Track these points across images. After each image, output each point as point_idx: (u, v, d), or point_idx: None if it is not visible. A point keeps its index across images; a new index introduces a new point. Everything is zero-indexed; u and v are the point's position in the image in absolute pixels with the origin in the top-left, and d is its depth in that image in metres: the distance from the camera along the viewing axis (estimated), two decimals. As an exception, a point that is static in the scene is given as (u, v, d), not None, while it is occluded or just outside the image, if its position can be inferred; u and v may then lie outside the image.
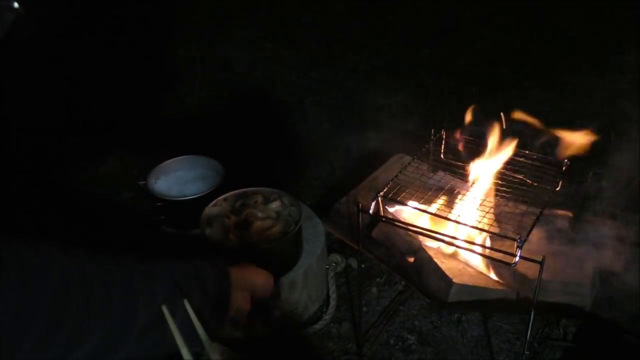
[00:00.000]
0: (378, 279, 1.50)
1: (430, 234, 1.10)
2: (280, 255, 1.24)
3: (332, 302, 1.39)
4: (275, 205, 1.29)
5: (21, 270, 0.54)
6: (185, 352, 0.60)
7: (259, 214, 1.26)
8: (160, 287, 0.64)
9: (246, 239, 1.21)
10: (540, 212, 1.09)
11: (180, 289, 0.65)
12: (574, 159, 1.19)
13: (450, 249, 1.26)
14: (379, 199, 1.12)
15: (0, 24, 0.58)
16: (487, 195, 1.22)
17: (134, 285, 0.62)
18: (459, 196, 1.24)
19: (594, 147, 1.16)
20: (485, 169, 1.23)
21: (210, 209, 1.28)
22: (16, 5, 0.59)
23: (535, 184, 1.19)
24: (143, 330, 0.61)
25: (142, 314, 0.61)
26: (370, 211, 1.12)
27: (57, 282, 0.56)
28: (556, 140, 1.18)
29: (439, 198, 1.25)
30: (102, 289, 0.60)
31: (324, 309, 1.40)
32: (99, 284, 0.60)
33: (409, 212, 1.27)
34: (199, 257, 0.73)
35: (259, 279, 0.78)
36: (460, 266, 1.22)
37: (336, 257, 1.48)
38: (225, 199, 1.31)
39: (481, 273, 1.21)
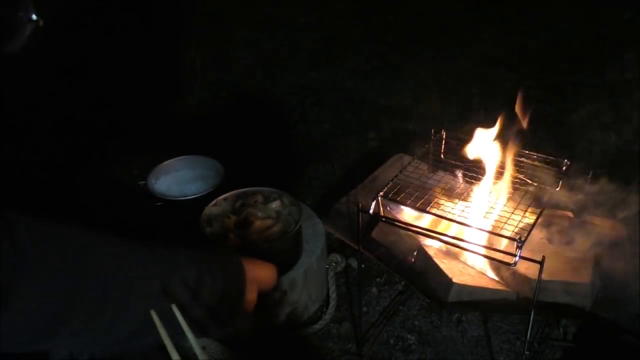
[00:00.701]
0: (378, 279, 1.50)
1: (430, 234, 1.10)
2: (280, 254, 1.24)
3: (332, 302, 1.39)
4: (275, 205, 1.29)
5: (64, 259, 0.55)
6: (174, 353, 0.59)
7: (259, 214, 1.26)
8: (187, 274, 0.65)
9: (246, 238, 1.21)
10: (540, 212, 1.09)
11: (200, 279, 0.66)
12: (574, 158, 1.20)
13: (450, 249, 1.26)
14: (379, 199, 1.12)
15: (18, 36, 0.58)
16: (487, 195, 1.22)
17: (166, 270, 0.64)
18: (459, 196, 1.24)
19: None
20: (485, 168, 1.23)
21: (211, 209, 1.28)
22: (35, 17, 0.58)
23: (535, 184, 1.19)
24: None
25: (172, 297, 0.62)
26: (370, 211, 1.12)
27: (103, 269, 0.58)
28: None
29: (439, 198, 1.25)
30: (141, 279, 0.61)
31: (324, 309, 1.40)
32: (136, 269, 0.61)
33: (409, 212, 1.27)
34: (216, 249, 0.73)
35: (263, 271, 0.78)
36: (460, 266, 1.22)
37: (336, 257, 1.48)
38: (225, 199, 1.31)
39: (481, 273, 1.21)
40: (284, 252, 1.26)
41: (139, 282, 0.61)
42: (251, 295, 0.73)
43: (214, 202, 1.30)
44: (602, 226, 1.25)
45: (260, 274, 0.76)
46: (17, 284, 0.51)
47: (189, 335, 0.61)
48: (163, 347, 0.59)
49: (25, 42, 0.59)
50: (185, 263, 0.66)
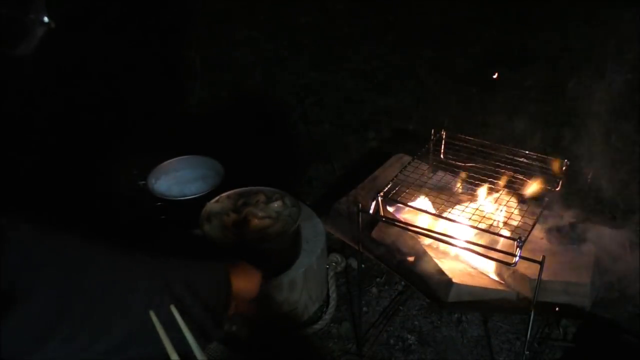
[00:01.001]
0: (378, 279, 1.50)
1: (430, 234, 1.10)
2: (278, 254, 1.25)
3: (332, 302, 1.39)
4: (276, 205, 1.29)
5: (60, 269, 0.56)
6: (173, 354, 0.59)
7: (259, 213, 1.26)
8: (174, 288, 0.65)
9: (243, 237, 1.21)
10: (540, 212, 1.09)
11: (187, 291, 0.66)
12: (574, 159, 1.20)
13: (450, 249, 1.26)
14: (379, 199, 1.12)
15: (29, 38, 0.58)
16: (487, 195, 1.22)
17: (153, 287, 0.64)
18: (459, 196, 1.24)
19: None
20: (485, 169, 1.23)
21: (212, 205, 1.28)
22: (46, 19, 0.57)
23: (536, 184, 1.19)
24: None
25: (159, 315, 0.62)
26: (370, 211, 1.12)
27: (92, 281, 0.58)
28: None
29: (439, 198, 1.25)
30: (126, 291, 0.61)
31: (324, 309, 1.40)
32: (125, 286, 0.61)
33: (409, 212, 1.27)
34: (203, 258, 0.73)
35: (249, 284, 0.77)
36: (460, 266, 1.22)
37: (336, 257, 1.48)
38: (228, 196, 1.31)
39: (481, 273, 1.21)
40: (280, 252, 1.25)
41: (127, 291, 0.61)
42: (233, 307, 0.74)
43: (216, 198, 1.30)
44: (602, 226, 1.25)
45: (245, 286, 0.75)
46: (8, 295, 0.51)
47: (188, 335, 0.61)
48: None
49: (38, 44, 0.58)
50: (172, 275, 0.66)
